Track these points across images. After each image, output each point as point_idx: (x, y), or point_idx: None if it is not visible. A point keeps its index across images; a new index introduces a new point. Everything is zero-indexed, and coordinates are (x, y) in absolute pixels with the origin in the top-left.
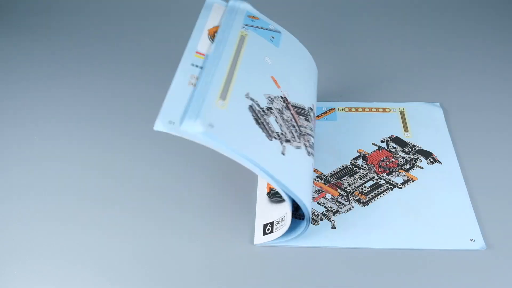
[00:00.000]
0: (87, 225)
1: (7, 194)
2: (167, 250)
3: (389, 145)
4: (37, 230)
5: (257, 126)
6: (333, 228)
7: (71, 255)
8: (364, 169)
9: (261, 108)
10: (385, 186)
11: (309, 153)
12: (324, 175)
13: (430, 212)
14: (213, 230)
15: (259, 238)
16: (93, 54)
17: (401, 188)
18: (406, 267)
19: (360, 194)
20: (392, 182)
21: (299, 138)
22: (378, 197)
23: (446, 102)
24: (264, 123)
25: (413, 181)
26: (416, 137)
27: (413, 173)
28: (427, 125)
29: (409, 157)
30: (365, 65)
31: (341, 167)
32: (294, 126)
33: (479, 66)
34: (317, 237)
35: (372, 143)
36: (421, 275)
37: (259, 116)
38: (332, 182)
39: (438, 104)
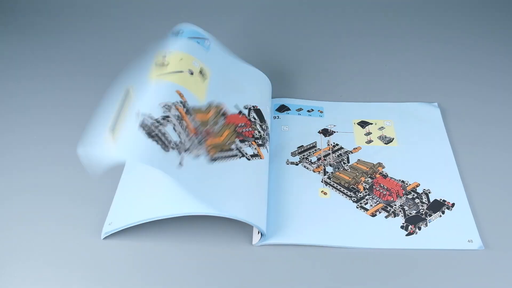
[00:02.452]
0: (88, 225)
1: (7, 194)
2: (167, 250)
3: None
4: (37, 230)
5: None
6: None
7: (71, 255)
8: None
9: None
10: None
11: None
12: None
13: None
14: (213, 231)
15: (257, 238)
16: (91, 54)
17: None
18: (405, 267)
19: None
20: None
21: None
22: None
23: (444, 102)
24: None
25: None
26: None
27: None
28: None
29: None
30: (363, 64)
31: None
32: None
33: (477, 66)
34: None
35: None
36: (419, 275)
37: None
38: None
39: (436, 104)
